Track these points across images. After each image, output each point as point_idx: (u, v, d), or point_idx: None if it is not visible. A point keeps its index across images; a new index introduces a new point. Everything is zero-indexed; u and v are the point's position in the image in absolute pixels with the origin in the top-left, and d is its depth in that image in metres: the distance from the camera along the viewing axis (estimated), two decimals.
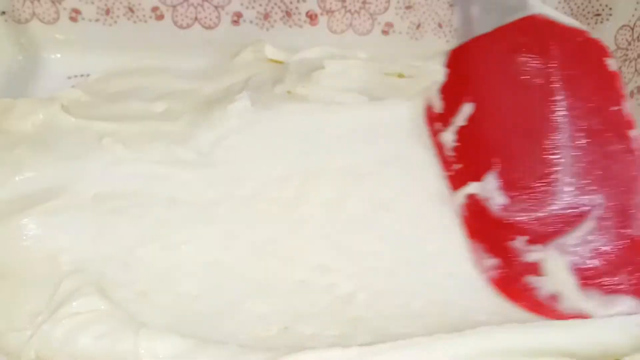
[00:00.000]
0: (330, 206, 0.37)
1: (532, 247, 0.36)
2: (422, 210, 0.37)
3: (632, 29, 0.53)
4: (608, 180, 0.36)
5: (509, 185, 0.37)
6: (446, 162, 0.40)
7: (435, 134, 0.41)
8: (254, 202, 0.37)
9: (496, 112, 0.40)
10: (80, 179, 0.37)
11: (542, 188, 0.36)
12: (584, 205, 0.36)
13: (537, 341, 0.29)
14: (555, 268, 0.35)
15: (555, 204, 0.36)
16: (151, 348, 0.30)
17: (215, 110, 0.41)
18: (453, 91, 0.41)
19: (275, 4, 0.53)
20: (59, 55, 0.54)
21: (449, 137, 0.40)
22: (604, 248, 0.35)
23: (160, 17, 0.53)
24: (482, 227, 0.37)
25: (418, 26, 0.55)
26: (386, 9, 0.54)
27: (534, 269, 0.35)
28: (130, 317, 0.32)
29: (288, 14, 0.53)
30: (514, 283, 0.35)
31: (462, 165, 0.39)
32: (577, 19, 0.55)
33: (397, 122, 0.41)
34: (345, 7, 0.53)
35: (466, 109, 0.40)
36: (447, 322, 0.31)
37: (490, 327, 0.29)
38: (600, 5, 0.54)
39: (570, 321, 0.31)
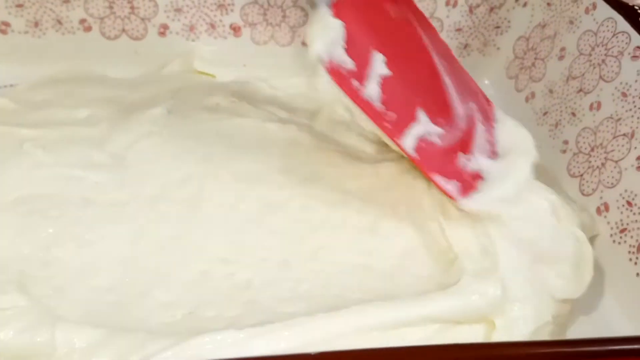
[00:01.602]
0: (227, 206, 0.39)
1: (467, 158, 0.41)
2: (309, 212, 0.40)
3: (527, 40, 0.57)
4: (467, 89, 0.44)
5: (433, 115, 0.40)
6: (379, 117, 0.38)
7: (355, 93, 0.37)
8: (159, 201, 0.39)
9: (398, 54, 0.40)
10: (1, 183, 0.38)
11: (449, 109, 0.42)
12: (469, 113, 0.42)
13: (406, 313, 0.33)
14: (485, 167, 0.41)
15: (459, 118, 0.42)
16: (67, 339, 0.31)
17: (133, 116, 0.43)
18: (356, 44, 0.38)
19: (200, 16, 0.55)
20: None
21: (374, 90, 0.38)
22: (488, 137, 0.43)
23: (88, 29, 0.54)
24: (435, 160, 0.40)
25: None
26: (304, 22, 0.56)
27: (477, 175, 0.41)
28: (48, 312, 0.32)
29: (212, 26, 0.55)
30: (470, 189, 0.40)
31: (396, 114, 0.39)
32: (479, 31, 0.59)
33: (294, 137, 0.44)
34: (266, 20, 0.56)
35: (378, 58, 0.38)
36: (327, 303, 0.33)
37: (363, 304, 0.32)
38: (500, 18, 0.58)
39: (438, 293, 0.34)
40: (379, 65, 0.38)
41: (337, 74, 0.37)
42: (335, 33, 0.37)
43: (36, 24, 0.53)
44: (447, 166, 0.40)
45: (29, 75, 0.53)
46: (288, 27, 0.56)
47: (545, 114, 0.53)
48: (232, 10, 0.55)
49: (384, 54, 0.39)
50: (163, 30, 0.55)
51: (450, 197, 0.39)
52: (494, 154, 0.43)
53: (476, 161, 0.42)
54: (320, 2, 0.38)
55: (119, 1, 0.53)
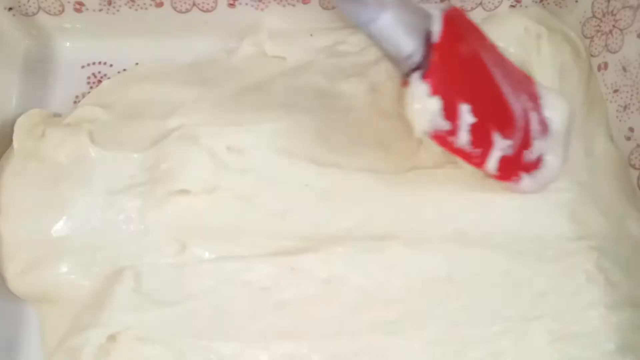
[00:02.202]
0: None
1: (530, 151, 0.47)
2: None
3: (608, 1, 0.54)
4: (517, 83, 0.47)
5: (503, 132, 0.45)
6: (469, 157, 0.45)
7: (452, 147, 0.44)
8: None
9: (474, 93, 0.44)
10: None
11: (512, 117, 0.45)
12: (524, 108, 0.46)
13: None
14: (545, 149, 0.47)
15: (519, 119, 0.46)
16: None
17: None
18: (447, 105, 0.42)
19: None
20: (68, 44, 0.56)
21: (464, 138, 0.43)
22: (539, 119, 0.48)
23: (159, 5, 0.54)
24: (508, 167, 0.46)
25: None
26: None
27: (539, 160, 0.48)
28: None
29: None
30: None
31: (481, 149, 0.45)
32: None
33: None
34: None
35: (464, 109, 0.43)
36: None
37: None
38: None
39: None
40: (466, 116, 0.43)
41: (439, 139, 0.43)
42: (434, 107, 0.41)
43: (110, 2, 0.53)
44: (519, 168, 0.47)
45: (107, 51, 0.55)
46: None
47: (615, 91, 0.53)
48: None
49: (468, 102, 0.43)
50: (232, 1, 0.54)
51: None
52: (545, 131, 0.48)
53: (535, 149, 0.47)
54: (414, 79, 0.41)
55: None
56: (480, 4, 0.57)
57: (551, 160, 0.48)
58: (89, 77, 0.55)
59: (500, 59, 0.47)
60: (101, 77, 0.55)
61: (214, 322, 0.43)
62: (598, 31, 0.55)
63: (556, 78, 0.55)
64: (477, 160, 0.45)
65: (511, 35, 0.56)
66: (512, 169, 0.47)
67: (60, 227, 0.44)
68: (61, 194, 0.45)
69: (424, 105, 0.41)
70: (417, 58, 0.41)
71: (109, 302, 0.42)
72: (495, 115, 0.45)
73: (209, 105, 0.49)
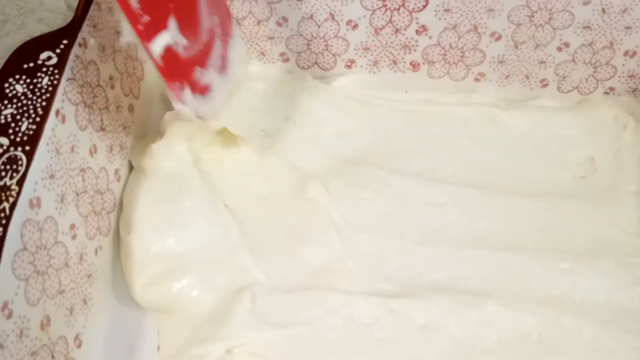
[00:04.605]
0: None
1: (202, 72, 0.45)
2: None
3: None
4: (214, 1, 0.46)
5: (182, 26, 0.43)
6: (134, 17, 0.40)
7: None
8: None
9: None
10: None
11: (197, 21, 0.44)
12: (211, 27, 0.46)
13: None
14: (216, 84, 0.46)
15: (203, 31, 0.45)
16: None
17: None
18: None
19: (385, 54, 0.59)
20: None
21: None
22: (222, 52, 0.47)
23: (285, 61, 0.60)
24: (175, 68, 0.43)
25: (507, 77, 0.60)
26: (481, 62, 0.59)
27: (207, 87, 0.46)
28: None
29: (394, 62, 0.60)
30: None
31: (149, 17, 0.40)
32: None
33: None
34: (445, 59, 0.59)
35: None
36: None
37: None
38: None
39: None
40: None
41: None
42: None
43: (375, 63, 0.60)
44: (186, 77, 0.44)
45: None
46: (464, 66, 0.59)
47: None
48: (414, 50, 0.58)
49: None
50: (350, 63, 0.60)
51: (178, 100, 0.44)
52: (223, 68, 0.47)
53: (208, 75, 0.46)
54: None
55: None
56: (577, 87, 0.61)
57: (216, 98, 0.47)
58: None
59: None
60: None
61: (318, 349, 0.45)
62: None
63: (637, 169, 0.57)
64: (143, 30, 0.41)
65: (599, 123, 0.60)
66: (178, 72, 0.44)
67: (183, 242, 0.49)
68: (181, 210, 0.50)
69: None
70: None
71: (229, 319, 0.45)
72: (179, 4, 0.43)
73: None
